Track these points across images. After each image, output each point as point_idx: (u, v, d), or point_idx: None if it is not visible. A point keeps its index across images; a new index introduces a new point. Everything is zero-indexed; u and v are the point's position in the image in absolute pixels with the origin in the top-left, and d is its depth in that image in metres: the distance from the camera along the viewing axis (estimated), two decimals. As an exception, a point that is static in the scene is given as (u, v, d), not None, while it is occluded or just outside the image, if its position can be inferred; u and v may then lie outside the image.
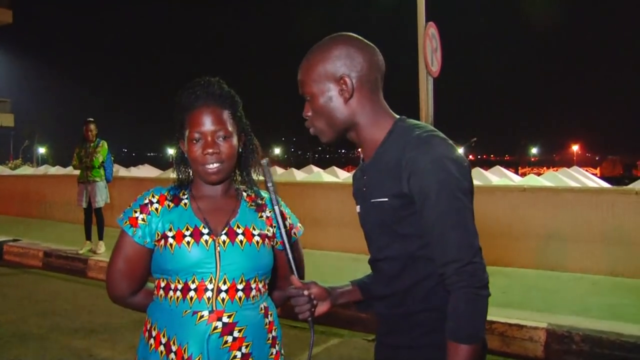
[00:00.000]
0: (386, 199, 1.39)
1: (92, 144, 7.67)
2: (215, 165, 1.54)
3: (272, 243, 1.67)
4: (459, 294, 1.27)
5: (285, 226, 1.49)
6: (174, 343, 1.50)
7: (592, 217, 6.43)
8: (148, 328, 1.58)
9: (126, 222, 1.58)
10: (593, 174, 24.90)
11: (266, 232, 1.65)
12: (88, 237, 7.87)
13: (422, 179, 1.30)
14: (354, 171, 1.65)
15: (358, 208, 1.56)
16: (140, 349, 1.59)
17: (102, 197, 7.68)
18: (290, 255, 1.47)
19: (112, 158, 8.09)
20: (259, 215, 1.67)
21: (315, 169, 19.32)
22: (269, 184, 1.48)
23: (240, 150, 1.64)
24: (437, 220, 1.30)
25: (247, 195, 1.69)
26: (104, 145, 7.71)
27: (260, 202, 1.69)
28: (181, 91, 1.60)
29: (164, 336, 1.52)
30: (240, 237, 1.58)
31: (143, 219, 1.57)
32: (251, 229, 1.61)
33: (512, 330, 4.40)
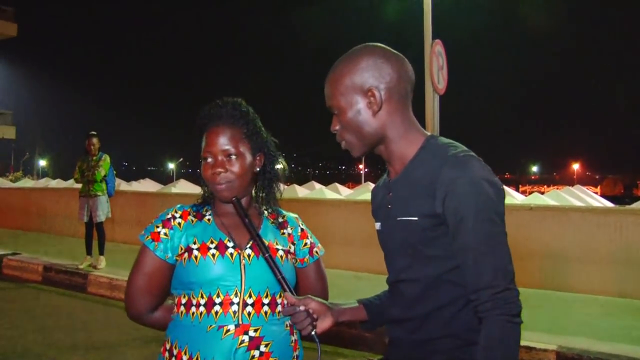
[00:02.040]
0: (415, 218, 1.33)
1: (94, 158, 7.64)
2: (224, 184, 1.54)
3: (292, 260, 1.65)
4: (493, 321, 1.22)
5: (267, 249, 1.51)
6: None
7: (600, 237, 6.38)
8: (168, 348, 1.53)
9: (148, 237, 1.57)
10: (594, 192, 24.86)
11: (288, 248, 1.65)
12: (89, 251, 7.79)
13: (460, 200, 1.26)
14: (372, 187, 1.60)
15: (378, 225, 1.51)
16: None
17: (103, 212, 7.62)
18: (280, 275, 1.48)
19: (115, 172, 8.05)
20: (281, 232, 1.67)
21: (317, 185, 19.32)
22: (245, 220, 1.52)
23: (258, 169, 1.63)
24: (472, 244, 1.25)
25: (269, 213, 1.69)
26: (106, 159, 7.68)
27: (281, 220, 1.69)
28: (200, 111, 1.62)
29: (185, 353, 1.48)
30: None
31: (165, 234, 1.56)
32: (274, 244, 1.61)
33: (521, 353, 4.30)
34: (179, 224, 1.57)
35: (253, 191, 1.66)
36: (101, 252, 7.73)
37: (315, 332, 1.47)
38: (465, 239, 1.26)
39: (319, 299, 1.51)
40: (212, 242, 1.54)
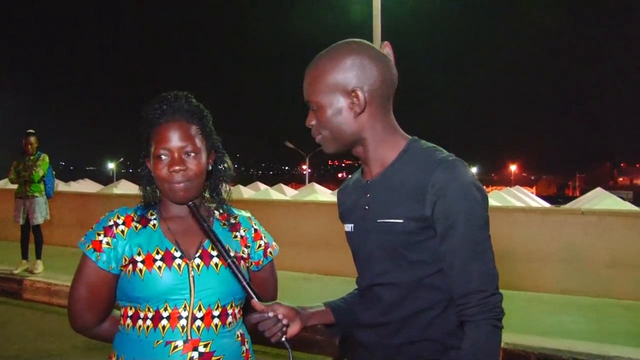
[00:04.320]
0: (400, 220, 1.30)
1: (32, 157, 7.28)
2: (182, 183, 1.43)
3: (247, 264, 1.57)
4: (479, 325, 1.23)
5: (229, 256, 1.42)
6: None
7: (543, 236, 6.59)
8: None
9: (89, 246, 1.45)
10: (530, 192, 25.81)
11: (241, 253, 1.55)
12: (24, 256, 7.40)
13: (451, 205, 1.25)
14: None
15: (349, 227, 1.46)
16: None
17: (41, 214, 7.27)
18: (245, 282, 1.41)
19: (54, 173, 7.71)
20: (233, 235, 1.56)
21: (262, 185, 19.20)
22: (204, 225, 1.43)
23: (210, 167, 1.53)
24: (461, 249, 1.25)
25: (220, 214, 1.59)
26: (45, 158, 7.34)
27: (233, 221, 1.58)
28: (147, 106, 1.49)
29: None
30: (215, 259, 1.47)
31: (108, 243, 1.44)
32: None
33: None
34: (122, 231, 1.46)
35: (203, 191, 1.56)
36: (38, 256, 7.36)
37: (286, 338, 1.41)
38: (454, 244, 1.26)
39: (287, 304, 1.45)
40: (157, 253, 1.43)
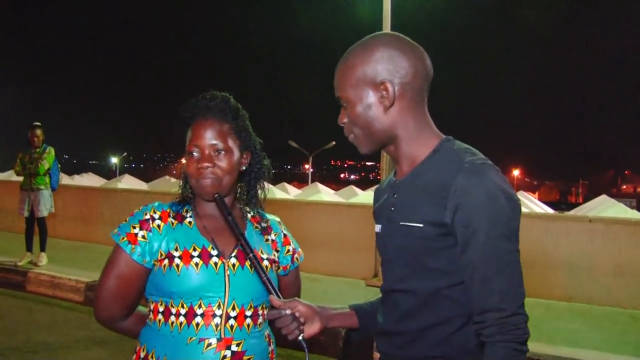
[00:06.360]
0: (420, 225, 1.23)
1: (37, 150, 7.27)
2: (210, 179, 1.45)
3: (277, 268, 1.59)
4: (498, 347, 1.13)
5: (251, 249, 1.44)
6: None
7: (547, 242, 6.56)
8: (142, 356, 1.44)
9: (123, 238, 1.45)
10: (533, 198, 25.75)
11: (273, 256, 1.58)
12: (29, 248, 7.39)
13: (473, 212, 1.16)
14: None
15: (378, 228, 1.40)
16: None
17: (46, 206, 7.27)
18: (265, 277, 1.42)
19: (59, 166, 7.70)
20: (265, 238, 1.60)
21: (266, 184, 19.13)
22: (227, 217, 1.46)
23: (244, 168, 1.54)
24: (481, 261, 1.15)
25: (252, 216, 1.61)
26: (50, 151, 7.33)
27: (264, 224, 1.61)
28: (184, 104, 1.52)
29: None
30: None
31: (143, 236, 1.44)
32: (260, 253, 1.53)
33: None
34: (159, 226, 1.46)
35: (237, 192, 1.58)
36: (42, 249, 7.37)
37: (303, 337, 1.38)
38: (474, 255, 1.16)
39: (307, 302, 1.42)
40: (194, 250, 1.44)
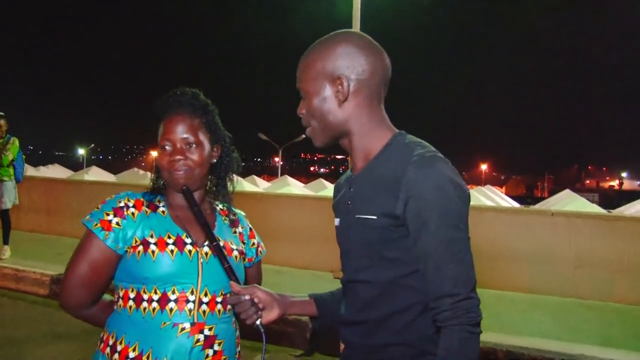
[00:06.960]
0: (375, 217, 1.27)
1: (1, 141, 7.09)
2: (182, 171, 1.51)
3: (243, 259, 1.65)
4: (452, 331, 1.18)
5: (214, 239, 1.50)
6: (147, 357, 1.41)
7: (512, 236, 6.72)
8: (110, 343, 1.45)
9: (97, 225, 1.47)
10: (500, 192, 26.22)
11: (242, 248, 1.65)
12: (-8, 241, 7.24)
13: (423, 203, 1.21)
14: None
15: (337, 221, 1.46)
16: None
17: (10, 198, 7.09)
18: (227, 264, 1.47)
19: (24, 157, 7.54)
20: (233, 230, 1.67)
21: (234, 177, 19.03)
22: (193, 207, 1.52)
23: (215, 160, 1.60)
24: (434, 250, 1.20)
25: (221, 209, 1.68)
26: (14, 142, 7.15)
27: (233, 217, 1.68)
28: (157, 99, 1.57)
29: (134, 350, 1.42)
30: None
31: (117, 223, 1.48)
32: (230, 244, 1.59)
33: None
34: (133, 214, 1.50)
35: (207, 185, 1.63)
36: (6, 242, 7.21)
37: (261, 323, 1.43)
38: (426, 244, 1.21)
39: (266, 289, 1.47)
40: (169, 237, 1.49)
